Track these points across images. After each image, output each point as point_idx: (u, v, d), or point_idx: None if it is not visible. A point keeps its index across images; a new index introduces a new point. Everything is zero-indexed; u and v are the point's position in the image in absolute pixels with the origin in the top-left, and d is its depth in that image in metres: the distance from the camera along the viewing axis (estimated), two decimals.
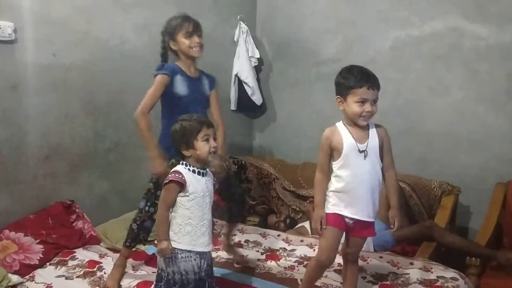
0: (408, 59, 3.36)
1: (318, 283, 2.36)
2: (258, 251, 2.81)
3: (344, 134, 2.00)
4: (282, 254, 2.75)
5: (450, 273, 2.38)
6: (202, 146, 1.93)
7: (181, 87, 2.36)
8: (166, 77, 2.32)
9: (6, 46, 2.54)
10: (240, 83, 3.86)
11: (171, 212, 1.95)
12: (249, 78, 3.82)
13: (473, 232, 3.11)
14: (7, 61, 2.56)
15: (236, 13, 3.81)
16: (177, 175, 1.91)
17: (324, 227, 2.02)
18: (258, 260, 2.68)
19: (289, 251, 2.79)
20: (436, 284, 2.30)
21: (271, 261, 2.66)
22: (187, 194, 1.92)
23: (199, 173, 1.96)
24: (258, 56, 3.90)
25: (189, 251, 1.93)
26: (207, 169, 2.02)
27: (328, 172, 2.07)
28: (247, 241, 2.94)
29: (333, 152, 2.02)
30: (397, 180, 2.16)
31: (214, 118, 2.47)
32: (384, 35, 3.42)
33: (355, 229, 2.07)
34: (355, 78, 1.95)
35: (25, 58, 2.63)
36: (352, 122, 2.01)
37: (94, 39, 2.92)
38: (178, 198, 1.93)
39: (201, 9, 3.55)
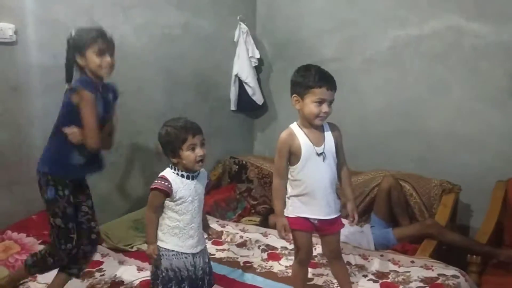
0: (407, 58, 3.37)
1: (320, 282, 2.38)
2: (259, 248, 2.82)
3: (301, 138, 2.01)
4: (283, 253, 2.76)
5: (451, 271, 2.39)
6: (187, 156, 1.90)
7: (99, 107, 2.08)
8: (94, 96, 2.03)
9: (7, 47, 2.55)
10: (241, 83, 3.87)
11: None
12: (249, 78, 3.82)
13: (474, 230, 3.11)
14: (8, 63, 2.57)
15: (236, 13, 3.82)
16: (163, 182, 1.90)
17: (287, 234, 2.05)
18: (260, 259, 2.70)
19: (290, 250, 2.79)
20: (437, 282, 2.31)
21: (272, 260, 2.68)
22: (174, 199, 1.91)
23: (187, 177, 1.94)
24: (258, 56, 3.91)
25: (177, 252, 1.94)
26: (198, 172, 1.98)
27: (286, 177, 2.07)
28: (249, 239, 2.94)
29: (290, 156, 2.03)
30: (350, 176, 2.22)
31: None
32: (383, 35, 3.43)
33: (322, 228, 2.09)
34: (315, 78, 1.96)
35: (26, 59, 2.63)
36: (308, 122, 2.01)
37: None
38: (166, 202, 1.92)
39: (201, 9, 3.56)
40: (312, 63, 3.06)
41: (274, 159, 2.09)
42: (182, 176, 1.93)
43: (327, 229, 2.10)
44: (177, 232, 1.93)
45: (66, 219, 2.12)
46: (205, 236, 2.10)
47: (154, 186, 1.90)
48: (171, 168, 1.95)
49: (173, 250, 1.93)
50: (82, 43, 2.09)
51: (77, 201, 2.18)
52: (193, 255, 1.97)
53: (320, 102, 1.95)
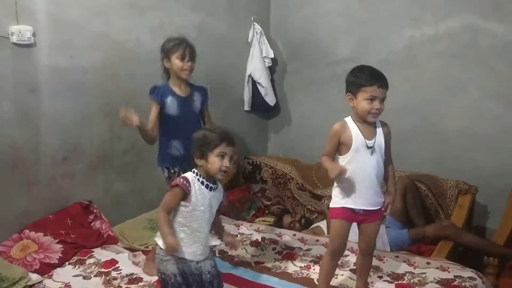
0: (423, 58, 3.34)
1: (335, 284, 2.37)
2: (274, 249, 2.83)
3: (353, 129, 2.08)
4: (298, 253, 2.76)
5: (467, 273, 2.37)
6: (214, 162, 1.89)
7: (171, 107, 2.49)
8: (156, 103, 2.48)
9: (26, 49, 2.58)
10: (254, 84, 3.87)
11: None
12: (262, 78, 3.82)
13: (491, 231, 3.07)
14: (27, 64, 2.61)
15: (250, 14, 3.83)
16: (185, 182, 1.88)
17: (345, 171, 2.03)
18: (275, 259, 2.70)
19: (305, 250, 2.79)
20: (454, 284, 2.28)
21: (287, 261, 2.67)
22: (187, 204, 1.89)
23: (207, 186, 1.93)
24: (272, 56, 3.90)
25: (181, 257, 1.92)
26: (218, 185, 1.99)
27: (333, 159, 2.12)
28: (263, 238, 2.95)
29: (341, 146, 2.10)
30: (394, 173, 2.28)
31: None
32: (399, 34, 3.40)
33: (365, 219, 2.14)
34: (366, 77, 2.04)
35: (43, 61, 2.67)
36: (361, 118, 2.08)
37: (110, 42, 2.96)
38: (179, 206, 1.90)
39: (215, 10, 3.58)
40: (326, 63, 3.07)
41: (325, 146, 2.13)
42: (202, 183, 1.92)
43: (369, 219, 2.15)
44: (182, 237, 1.90)
45: None
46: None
47: (175, 183, 1.90)
48: (193, 173, 1.94)
49: (177, 255, 1.91)
50: (168, 49, 2.50)
51: None
52: (197, 262, 1.95)
53: (372, 99, 2.02)
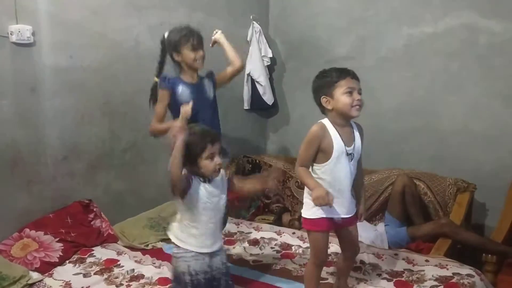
0: (422, 56, 3.35)
1: (334, 281, 2.37)
2: (273, 248, 2.84)
3: (333, 134, 1.98)
4: (297, 251, 2.77)
5: (466, 270, 2.37)
6: (206, 165, 1.86)
7: (184, 95, 2.44)
8: (167, 91, 2.45)
9: (25, 49, 2.59)
10: (253, 83, 3.88)
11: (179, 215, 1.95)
12: (261, 77, 3.83)
13: (489, 229, 3.08)
14: (26, 64, 2.61)
15: (249, 12, 3.83)
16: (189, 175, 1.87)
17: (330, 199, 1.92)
18: (274, 257, 2.70)
19: (304, 248, 2.80)
20: (452, 281, 2.29)
21: (286, 259, 2.68)
22: (187, 202, 1.88)
23: (205, 181, 1.91)
24: (271, 56, 3.92)
25: (196, 253, 1.92)
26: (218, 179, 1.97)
27: (309, 168, 2.04)
28: (262, 238, 2.96)
29: (318, 154, 1.99)
30: (363, 177, 2.25)
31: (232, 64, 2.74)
32: (397, 33, 3.41)
33: (342, 225, 2.09)
34: (336, 73, 1.99)
35: (43, 60, 2.68)
36: (343, 118, 2.00)
37: (109, 41, 2.96)
38: (183, 203, 1.89)
39: (214, 9, 3.58)
40: (325, 62, 3.09)
41: (299, 151, 2.02)
42: (198, 180, 1.90)
43: (345, 224, 2.10)
44: (195, 233, 1.92)
45: None
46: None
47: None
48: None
49: (191, 251, 1.91)
50: (177, 42, 2.46)
51: None
52: (210, 254, 1.95)
53: (351, 92, 1.96)
